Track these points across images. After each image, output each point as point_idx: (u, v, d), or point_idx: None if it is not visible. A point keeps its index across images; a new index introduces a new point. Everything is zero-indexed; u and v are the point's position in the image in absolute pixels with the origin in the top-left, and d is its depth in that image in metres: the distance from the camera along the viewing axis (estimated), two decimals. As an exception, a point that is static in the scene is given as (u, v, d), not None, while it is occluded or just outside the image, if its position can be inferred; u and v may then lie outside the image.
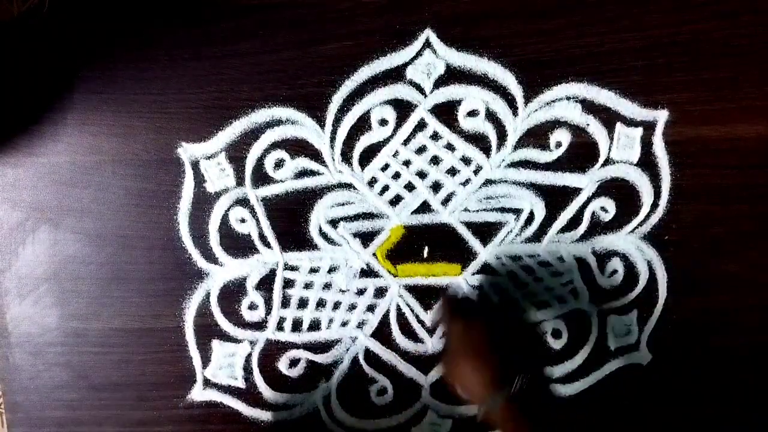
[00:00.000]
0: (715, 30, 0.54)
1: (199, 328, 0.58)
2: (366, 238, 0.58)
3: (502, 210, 0.57)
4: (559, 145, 0.56)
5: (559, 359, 0.58)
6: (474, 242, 0.57)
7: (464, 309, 0.53)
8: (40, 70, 0.56)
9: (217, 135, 0.56)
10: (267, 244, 0.58)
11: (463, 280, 0.58)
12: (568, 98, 0.55)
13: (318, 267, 0.58)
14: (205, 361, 0.59)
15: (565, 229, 0.57)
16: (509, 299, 0.58)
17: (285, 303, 0.59)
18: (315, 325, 0.59)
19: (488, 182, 0.57)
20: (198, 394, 0.59)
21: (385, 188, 0.57)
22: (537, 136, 0.56)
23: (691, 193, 0.56)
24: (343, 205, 0.57)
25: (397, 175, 0.57)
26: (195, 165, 0.57)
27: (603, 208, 0.57)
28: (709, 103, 0.55)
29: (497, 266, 0.58)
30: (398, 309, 0.58)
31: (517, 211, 0.57)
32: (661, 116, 0.55)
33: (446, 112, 0.56)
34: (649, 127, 0.56)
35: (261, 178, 0.57)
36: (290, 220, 0.57)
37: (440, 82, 0.56)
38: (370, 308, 0.59)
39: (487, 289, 0.58)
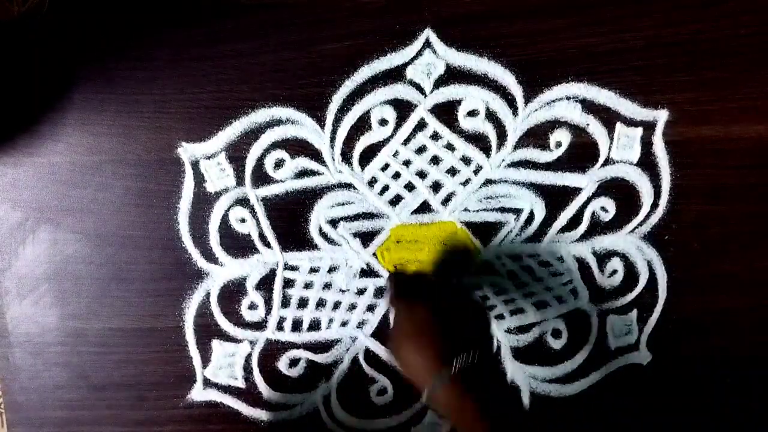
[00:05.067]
0: (715, 30, 0.54)
1: (199, 328, 0.59)
2: (366, 238, 0.58)
3: (502, 210, 0.57)
4: (559, 145, 0.56)
5: (559, 359, 0.58)
6: (474, 242, 0.57)
7: (410, 289, 0.52)
8: (40, 70, 0.56)
9: (217, 135, 0.56)
10: (267, 244, 0.58)
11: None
12: (568, 98, 0.55)
13: (318, 267, 0.58)
14: (205, 361, 0.59)
15: (565, 229, 0.57)
16: (459, 282, 0.56)
17: (285, 303, 0.59)
18: (315, 325, 0.59)
19: (488, 182, 0.57)
20: (198, 394, 0.59)
21: (385, 188, 0.57)
22: (537, 136, 0.56)
23: (691, 193, 0.56)
24: (343, 205, 0.57)
25: (397, 175, 0.57)
26: (195, 165, 0.57)
27: (603, 208, 0.57)
28: (709, 103, 0.55)
29: (497, 266, 0.58)
30: (398, 309, 0.58)
31: (517, 211, 0.57)
32: (661, 116, 0.55)
33: (446, 112, 0.56)
34: (649, 127, 0.56)
35: (261, 178, 0.57)
36: (290, 220, 0.57)
37: (440, 82, 0.56)
38: (370, 308, 0.59)
39: (486, 288, 0.58)
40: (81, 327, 0.59)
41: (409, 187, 0.57)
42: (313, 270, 0.58)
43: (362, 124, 0.56)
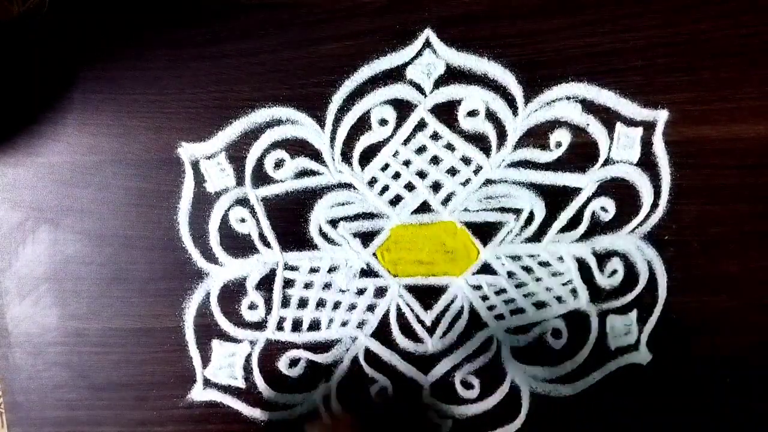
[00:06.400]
0: (715, 30, 0.54)
1: (199, 328, 0.59)
2: (366, 238, 0.58)
3: (502, 210, 0.57)
4: (559, 145, 0.56)
5: (559, 359, 0.58)
6: (474, 242, 0.57)
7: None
8: (40, 70, 0.56)
9: (217, 135, 0.56)
10: (267, 244, 0.58)
11: (463, 280, 0.58)
12: (568, 98, 0.55)
13: (318, 267, 0.58)
14: (205, 361, 0.59)
15: (565, 229, 0.57)
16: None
17: (285, 303, 0.59)
18: (315, 325, 0.59)
19: (488, 182, 0.57)
20: (198, 394, 0.59)
21: (385, 188, 0.57)
22: (537, 136, 0.56)
23: (691, 193, 0.56)
24: (343, 205, 0.57)
25: (397, 175, 0.57)
26: (195, 165, 0.57)
27: (603, 208, 0.57)
28: (709, 103, 0.55)
29: (497, 266, 0.58)
30: (398, 309, 0.59)
31: (517, 211, 0.57)
32: (661, 116, 0.55)
33: (446, 112, 0.56)
34: (649, 127, 0.56)
35: (261, 178, 0.57)
36: (290, 220, 0.58)
37: (440, 82, 0.56)
38: (370, 308, 0.59)
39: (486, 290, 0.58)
40: (81, 327, 0.59)
41: (409, 187, 0.57)
42: (313, 270, 0.58)
43: (362, 124, 0.56)
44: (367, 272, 0.58)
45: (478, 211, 0.57)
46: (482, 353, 0.58)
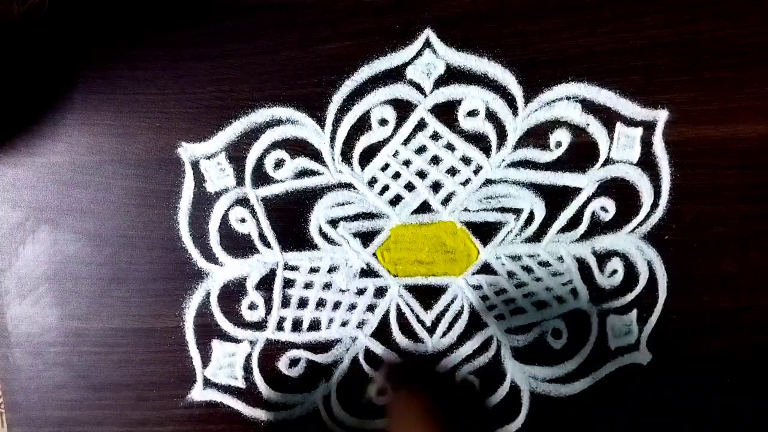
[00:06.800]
0: (715, 30, 0.54)
1: (199, 328, 0.59)
2: (366, 238, 0.58)
3: (502, 210, 0.57)
4: (559, 145, 0.56)
5: (559, 359, 0.58)
6: (474, 242, 0.57)
7: (405, 374, 0.51)
8: (40, 70, 0.56)
9: (217, 135, 0.56)
10: (267, 244, 0.58)
11: (463, 280, 0.58)
12: (568, 98, 0.56)
13: (318, 267, 0.58)
14: (205, 361, 0.59)
15: (565, 229, 0.57)
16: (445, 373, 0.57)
17: (285, 303, 0.59)
18: (315, 325, 0.59)
19: (488, 182, 0.57)
20: (198, 394, 0.59)
21: (385, 188, 0.57)
22: (537, 136, 0.56)
23: (691, 193, 0.56)
24: (343, 205, 0.57)
25: (397, 175, 0.57)
26: (195, 165, 0.57)
27: (603, 208, 0.57)
28: (709, 103, 0.55)
29: (497, 266, 0.58)
30: (398, 309, 0.58)
31: (517, 211, 0.57)
32: (661, 116, 0.55)
33: (446, 112, 0.56)
34: (649, 127, 0.56)
35: (261, 178, 0.57)
36: (290, 220, 0.58)
37: (440, 82, 0.56)
38: (370, 308, 0.59)
39: (486, 290, 0.58)
40: (81, 327, 0.59)
41: (409, 187, 0.57)
42: (313, 270, 0.58)
43: (362, 124, 0.56)
44: (367, 272, 0.58)
45: (478, 211, 0.57)
46: (482, 353, 0.58)
